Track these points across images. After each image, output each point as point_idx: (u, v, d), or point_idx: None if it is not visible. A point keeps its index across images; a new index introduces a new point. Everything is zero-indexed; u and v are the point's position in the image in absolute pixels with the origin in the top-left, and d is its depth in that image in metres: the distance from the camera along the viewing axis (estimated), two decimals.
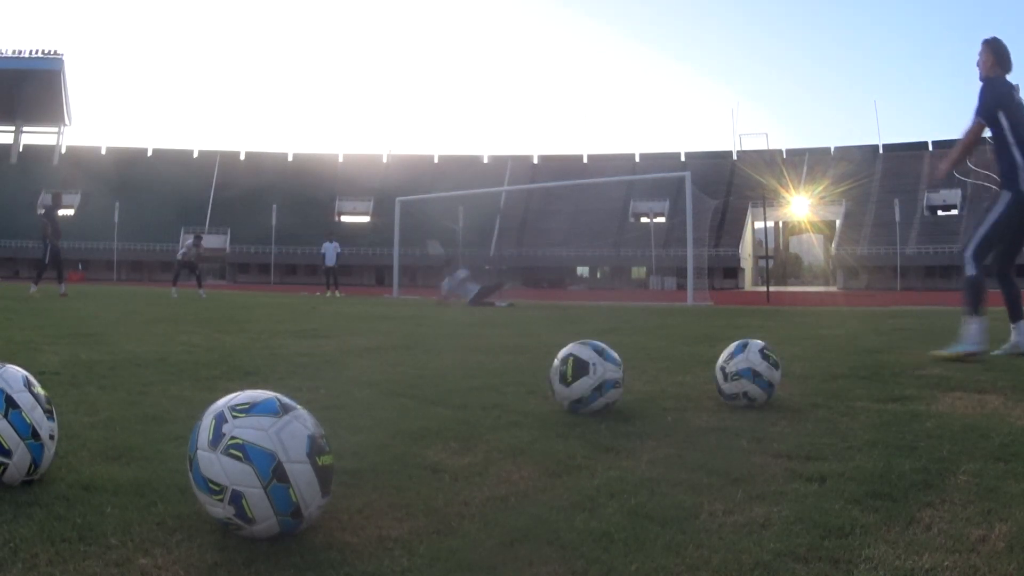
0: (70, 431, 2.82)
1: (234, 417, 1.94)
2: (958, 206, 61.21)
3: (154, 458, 2.68)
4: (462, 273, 20.53)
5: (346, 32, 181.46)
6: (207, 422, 1.96)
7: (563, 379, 3.55)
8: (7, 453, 2.20)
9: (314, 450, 1.93)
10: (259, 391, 2.06)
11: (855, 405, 3.88)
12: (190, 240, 25.38)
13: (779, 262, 74.36)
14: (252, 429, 1.91)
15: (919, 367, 5.31)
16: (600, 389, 3.52)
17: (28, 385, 2.29)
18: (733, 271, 65.73)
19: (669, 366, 5.52)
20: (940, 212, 63.16)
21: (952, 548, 1.91)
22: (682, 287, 32.67)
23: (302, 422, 1.97)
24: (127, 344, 6.57)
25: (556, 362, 3.63)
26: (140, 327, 8.91)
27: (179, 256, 25.34)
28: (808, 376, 4.94)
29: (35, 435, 2.24)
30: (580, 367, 3.52)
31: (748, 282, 67.52)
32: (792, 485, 2.46)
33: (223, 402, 2.01)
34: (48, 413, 2.31)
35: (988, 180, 6.19)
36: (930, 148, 66.57)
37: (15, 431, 2.21)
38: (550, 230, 69.84)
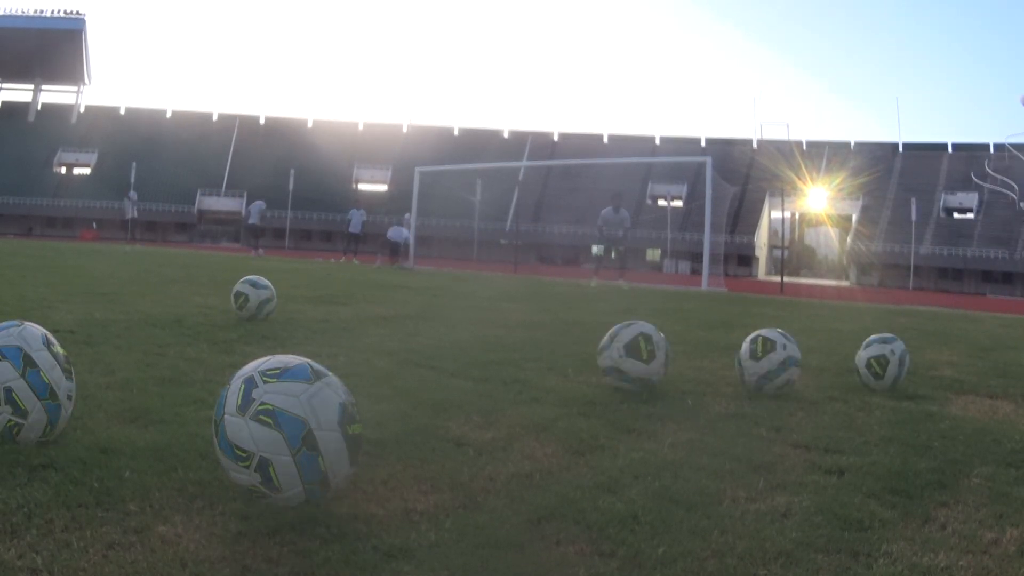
0: (86, 391, 2.77)
1: (265, 382, 1.89)
2: (974, 209, 60.59)
3: (172, 421, 2.64)
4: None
5: (371, 1, 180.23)
6: (236, 386, 1.91)
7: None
8: (23, 413, 2.15)
9: (345, 418, 1.90)
10: (290, 356, 2.01)
11: (870, 401, 3.87)
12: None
13: (794, 253, 73.87)
14: (283, 395, 1.86)
15: (932, 368, 5.29)
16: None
17: (48, 344, 2.24)
18: (747, 259, 65.24)
19: (686, 350, 5.51)
20: (956, 215, 62.45)
21: (966, 548, 1.93)
22: (696, 272, 32.55)
23: (334, 389, 1.94)
24: (142, 304, 6.54)
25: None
26: (155, 287, 8.90)
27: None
28: (824, 369, 4.93)
29: (52, 395, 2.18)
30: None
31: (762, 271, 67.17)
32: (812, 476, 2.48)
33: (253, 366, 1.96)
34: (67, 373, 2.26)
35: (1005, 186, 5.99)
36: (949, 150, 65.99)
37: (32, 391, 2.15)
38: (567, 207, 69.43)
